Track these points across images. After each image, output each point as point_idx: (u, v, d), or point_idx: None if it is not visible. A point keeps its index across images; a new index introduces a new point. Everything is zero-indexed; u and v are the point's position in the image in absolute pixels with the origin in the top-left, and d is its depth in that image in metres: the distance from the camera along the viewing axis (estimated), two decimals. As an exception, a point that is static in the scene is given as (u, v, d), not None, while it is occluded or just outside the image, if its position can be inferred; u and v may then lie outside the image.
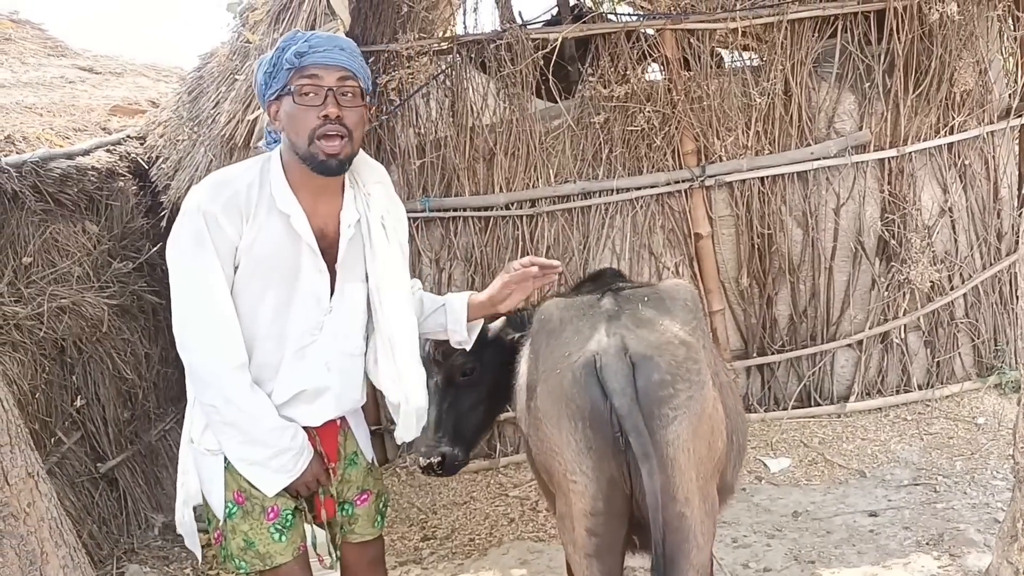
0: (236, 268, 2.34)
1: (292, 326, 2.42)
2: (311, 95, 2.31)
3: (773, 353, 5.34)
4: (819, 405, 5.30)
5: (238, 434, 2.35)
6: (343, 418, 2.61)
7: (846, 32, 5.19)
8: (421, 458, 2.97)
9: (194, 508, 2.52)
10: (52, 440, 4.44)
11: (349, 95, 2.35)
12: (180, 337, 2.36)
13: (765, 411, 5.25)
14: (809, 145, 5.19)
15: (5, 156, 4.47)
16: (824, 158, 5.18)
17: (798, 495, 4.43)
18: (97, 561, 4.34)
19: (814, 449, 4.87)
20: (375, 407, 5.29)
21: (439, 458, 2.98)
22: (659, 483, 2.13)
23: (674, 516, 2.20)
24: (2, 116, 5.28)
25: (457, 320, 2.70)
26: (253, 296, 2.37)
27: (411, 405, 2.51)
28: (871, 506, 4.20)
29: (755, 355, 5.30)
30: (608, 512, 2.22)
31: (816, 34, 5.18)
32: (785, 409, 5.30)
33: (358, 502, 2.64)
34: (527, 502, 4.74)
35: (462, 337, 2.74)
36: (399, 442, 2.59)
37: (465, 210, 5.15)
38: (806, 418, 5.23)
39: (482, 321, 2.79)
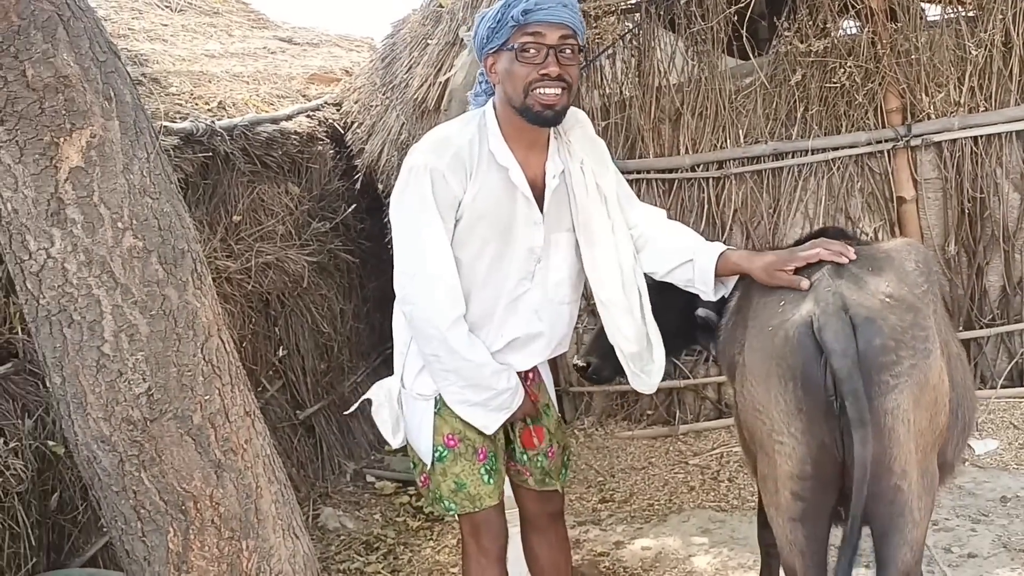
0: (457, 222, 2.42)
1: (507, 277, 2.49)
2: (532, 52, 2.33)
3: (982, 327, 4.95)
4: (1032, 385, 4.88)
5: (460, 379, 2.45)
6: (535, 370, 2.67)
7: (1079, -24, 4.69)
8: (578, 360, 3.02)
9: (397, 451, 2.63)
10: (257, 387, 4.76)
11: (568, 52, 2.36)
12: (402, 291, 2.46)
13: (970, 389, 4.89)
14: (1031, 101, 4.75)
15: (218, 120, 4.77)
16: (1048, 116, 4.72)
17: (1007, 479, 4.11)
18: (295, 502, 4.63)
19: (1026, 432, 4.51)
20: (555, 368, 5.34)
21: (584, 364, 2.99)
22: (871, 453, 2.01)
23: (889, 489, 2.08)
24: (214, 84, 5.64)
25: (705, 281, 2.52)
26: (473, 248, 2.45)
27: (624, 354, 2.60)
28: (1093, 496, 3.85)
29: (961, 329, 4.93)
30: (816, 477, 2.13)
31: (1044, -21, 4.72)
32: (993, 388, 4.89)
33: (549, 453, 2.71)
34: (707, 471, 4.65)
35: (710, 297, 2.59)
36: (638, 388, 2.66)
37: (649, 172, 5.05)
38: (1017, 398, 4.81)
39: (736, 277, 2.56)
